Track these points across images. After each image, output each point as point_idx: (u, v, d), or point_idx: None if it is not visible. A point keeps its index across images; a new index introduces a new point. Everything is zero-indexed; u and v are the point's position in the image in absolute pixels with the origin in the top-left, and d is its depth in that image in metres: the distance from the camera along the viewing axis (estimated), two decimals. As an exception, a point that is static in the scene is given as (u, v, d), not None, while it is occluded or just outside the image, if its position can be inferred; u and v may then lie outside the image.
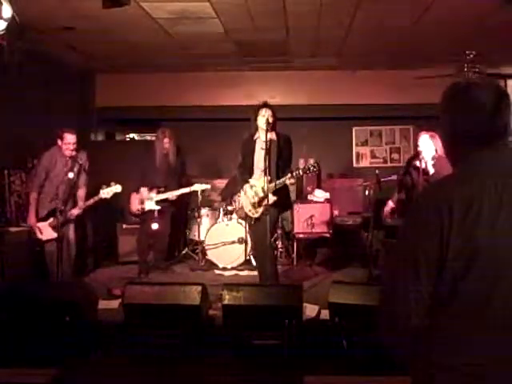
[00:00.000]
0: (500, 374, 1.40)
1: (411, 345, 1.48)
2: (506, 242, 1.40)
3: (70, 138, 5.41)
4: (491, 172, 1.45)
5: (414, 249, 1.45)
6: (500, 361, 1.40)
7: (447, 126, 1.57)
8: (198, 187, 6.54)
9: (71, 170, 5.42)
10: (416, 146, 4.85)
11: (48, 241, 5.42)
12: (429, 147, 4.66)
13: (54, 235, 5.29)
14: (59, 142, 5.45)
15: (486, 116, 1.48)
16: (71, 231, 5.61)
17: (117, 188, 5.48)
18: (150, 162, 6.33)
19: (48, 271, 5.47)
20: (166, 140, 6.30)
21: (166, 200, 6.32)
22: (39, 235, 5.45)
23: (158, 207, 6.27)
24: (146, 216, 6.34)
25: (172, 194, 6.33)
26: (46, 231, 5.43)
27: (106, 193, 5.43)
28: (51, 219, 5.39)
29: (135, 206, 6.35)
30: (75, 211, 5.50)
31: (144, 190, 6.28)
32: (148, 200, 6.28)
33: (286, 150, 5.06)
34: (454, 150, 1.57)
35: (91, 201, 5.48)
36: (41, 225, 5.44)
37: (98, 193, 5.47)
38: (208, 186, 6.70)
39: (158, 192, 6.29)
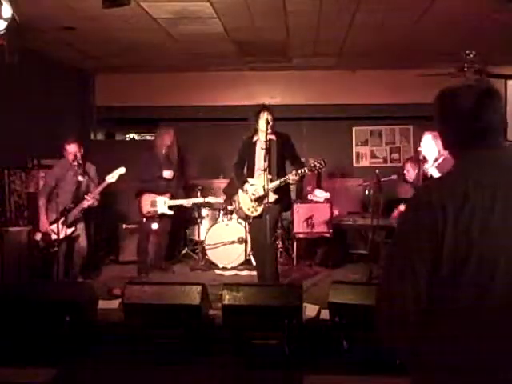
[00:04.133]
0: (500, 372, 1.40)
1: (409, 343, 1.48)
2: (500, 239, 1.42)
3: (69, 148, 5.56)
4: (483, 171, 1.48)
5: (409, 248, 1.47)
6: (500, 359, 1.40)
7: (439, 131, 1.64)
8: (212, 200, 6.60)
9: (81, 174, 5.57)
10: (417, 145, 4.79)
11: (64, 239, 5.46)
12: (431, 148, 4.62)
13: (69, 231, 5.47)
14: (65, 153, 5.61)
15: (468, 120, 1.53)
16: (82, 238, 5.69)
17: (121, 170, 5.58)
18: (151, 161, 6.32)
19: (52, 271, 5.48)
20: (170, 137, 6.32)
21: (178, 205, 6.37)
22: (55, 236, 5.43)
23: (171, 212, 6.31)
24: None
25: (188, 202, 6.45)
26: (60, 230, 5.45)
27: (112, 177, 5.53)
28: (62, 219, 5.45)
29: (146, 207, 6.30)
30: (87, 202, 5.52)
31: (156, 195, 6.28)
32: (161, 204, 6.27)
33: (287, 147, 5.06)
34: (450, 150, 1.63)
35: (100, 188, 5.56)
36: (54, 227, 5.45)
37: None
38: (221, 200, 6.78)
39: (172, 197, 6.32)
